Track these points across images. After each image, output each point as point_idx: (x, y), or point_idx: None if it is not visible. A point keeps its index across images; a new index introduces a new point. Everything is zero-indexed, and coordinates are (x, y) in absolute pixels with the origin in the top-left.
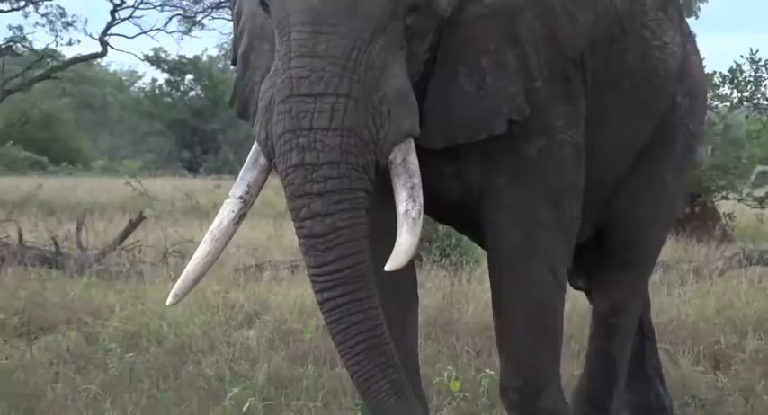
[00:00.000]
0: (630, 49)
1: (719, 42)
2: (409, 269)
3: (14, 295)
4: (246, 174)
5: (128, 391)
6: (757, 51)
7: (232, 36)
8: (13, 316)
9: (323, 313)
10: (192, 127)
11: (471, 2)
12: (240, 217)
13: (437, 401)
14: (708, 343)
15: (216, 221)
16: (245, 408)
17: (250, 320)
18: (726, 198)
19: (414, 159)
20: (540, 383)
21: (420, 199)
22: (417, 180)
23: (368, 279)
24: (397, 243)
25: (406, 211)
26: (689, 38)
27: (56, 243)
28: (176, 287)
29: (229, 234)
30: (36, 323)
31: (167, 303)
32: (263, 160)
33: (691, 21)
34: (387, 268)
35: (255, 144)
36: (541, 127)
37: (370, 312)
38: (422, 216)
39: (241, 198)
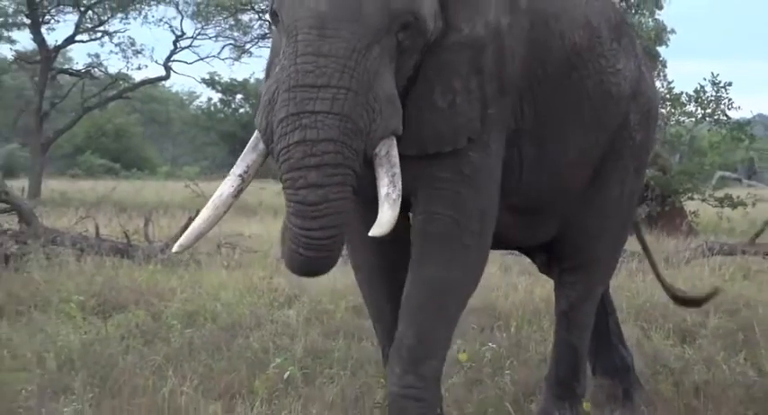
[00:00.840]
0: (590, 77)
1: (686, 67)
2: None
3: (92, 280)
4: (246, 156)
5: (187, 361)
6: (718, 75)
7: None
8: (90, 298)
9: (288, 256)
10: (241, 138)
11: (453, 31)
12: (238, 192)
13: (447, 371)
14: (676, 321)
15: (217, 193)
16: (285, 375)
17: (290, 301)
18: (691, 198)
19: (395, 153)
20: (430, 349)
21: (399, 185)
22: (398, 170)
23: (340, 249)
24: (378, 217)
25: (388, 193)
26: (643, 62)
27: (127, 237)
28: (182, 239)
29: (228, 205)
30: (110, 304)
31: (173, 250)
32: (261, 145)
33: (662, 49)
34: (371, 233)
35: (256, 132)
36: (482, 144)
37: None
38: (400, 199)
39: (240, 176)
